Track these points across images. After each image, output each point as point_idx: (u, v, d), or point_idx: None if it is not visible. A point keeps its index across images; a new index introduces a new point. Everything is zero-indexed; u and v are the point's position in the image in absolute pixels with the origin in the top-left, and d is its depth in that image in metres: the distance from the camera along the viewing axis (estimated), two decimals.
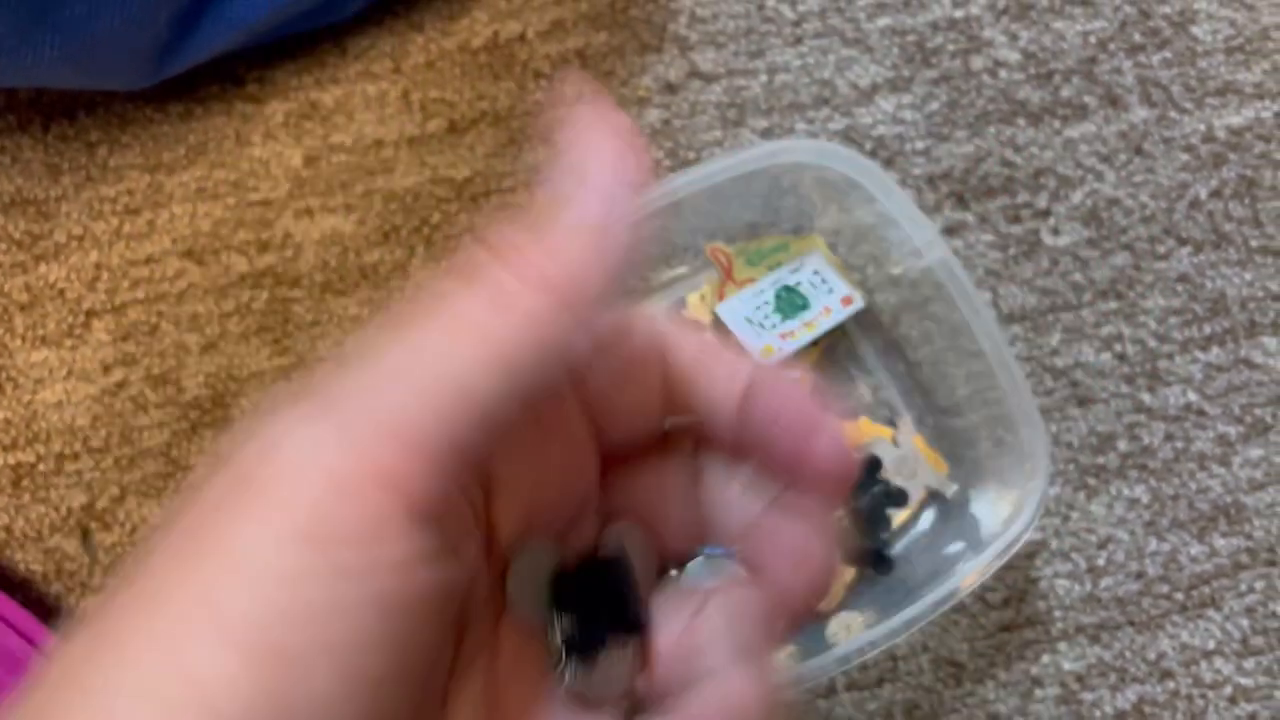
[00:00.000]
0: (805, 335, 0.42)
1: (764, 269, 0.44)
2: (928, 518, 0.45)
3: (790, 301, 0.43)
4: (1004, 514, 0.42)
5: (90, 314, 0.45)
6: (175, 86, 0.47)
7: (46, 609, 0.44)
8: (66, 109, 0.47)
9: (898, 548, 0.44)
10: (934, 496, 0.45)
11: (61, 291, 0.45)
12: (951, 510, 0.45)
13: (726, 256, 0.43)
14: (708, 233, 0.46)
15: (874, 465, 0.44)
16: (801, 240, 0.46)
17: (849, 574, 0.44)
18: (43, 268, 0.46)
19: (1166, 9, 0.50)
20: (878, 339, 0.46)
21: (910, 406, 0.46)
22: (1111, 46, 0.49)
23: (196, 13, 0.40)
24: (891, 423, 0.45)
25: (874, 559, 0.43)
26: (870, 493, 0.43)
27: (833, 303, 0.43)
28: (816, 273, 0.44)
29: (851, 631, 0.41)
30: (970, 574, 0.40)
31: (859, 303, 0.43)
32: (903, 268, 0.44)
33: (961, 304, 0.42)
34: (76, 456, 0.45)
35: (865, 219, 0.44)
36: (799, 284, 0.43)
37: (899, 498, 0.44)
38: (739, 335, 0.41)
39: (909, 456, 0.44)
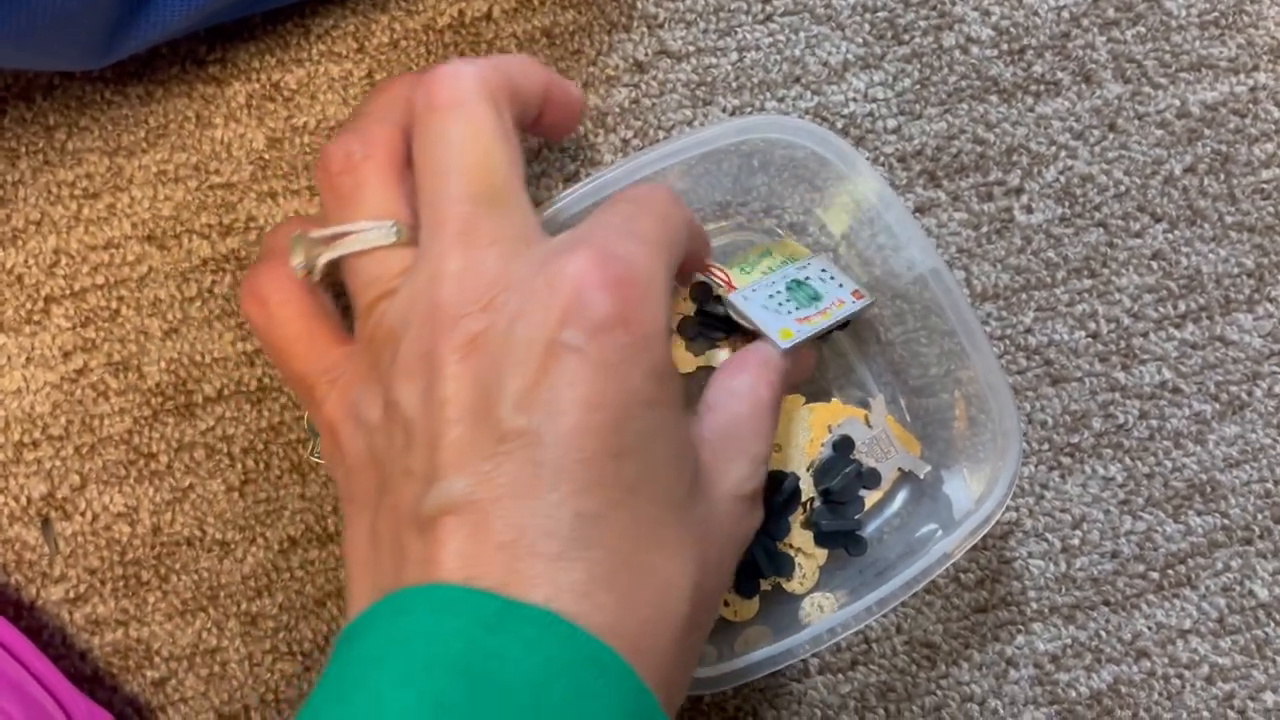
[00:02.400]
0: (821, 321, 0.41)
1: (760, 272, 0.44)
2: (900, 498, 0.44)
3: (803, 292, 0.43)
4: (977, 494, 0.41)
5: (49, 300, 0.45)
6: (134, 68, 0.46)
7: (6, 600, 0.43)
8: (23, 92, 0.46)
9: (870, 528, 0.44)
10: (907, 477, 0.44)
11: (20, 277, 0.45)
12: (924, 490, 0.44)
13: (723, 272, 0.43)
14: None
15: (846, 446, 0.44)
16: (783, 245, 0.45)
17: (822, 555, 0.43)
18: (0, 254, 0.45)
19: None
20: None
21: (882, 387, 0.45)
22: (1085, 22, 0.49)
23: None
24: (864, 403, 0.45)
25: (847, 540, 0.43)
26: (843, 473, 0.43)
27: (844, 296, 0.43)
28: (824, 270, 0.44)
29: (825, 612, 0.41)
30: (943, 553, 0.39)
31: (868, 298, 0.43)
32: (873, 248, 0.43)
33: (933, 283, 0.41)
34: (36, 445, 0.44)
35: (836, 197, 0.44)
36: (808, 279, 0.43)
37: (871, 478, 0.43)
38: (756, 319, 0.40)
39: (881, 437, 0.44)
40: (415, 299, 0.31)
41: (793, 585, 0.43)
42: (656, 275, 0.31)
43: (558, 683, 0.26)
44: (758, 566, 0.42)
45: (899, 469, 0.44)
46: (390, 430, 0.30)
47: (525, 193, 0.33)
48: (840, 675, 0.44)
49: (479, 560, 0.27)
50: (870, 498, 0.44)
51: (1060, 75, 0.48)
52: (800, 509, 0.43)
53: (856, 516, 0.43)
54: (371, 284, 0.33)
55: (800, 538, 0.43)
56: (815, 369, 0.45)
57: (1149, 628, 0.45)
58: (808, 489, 0.43)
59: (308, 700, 0.27)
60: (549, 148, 0.47)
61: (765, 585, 0.43)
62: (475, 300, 0.30)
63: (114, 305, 0.45)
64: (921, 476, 0.44)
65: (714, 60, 0.48)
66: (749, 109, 0.48)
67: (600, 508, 0.28)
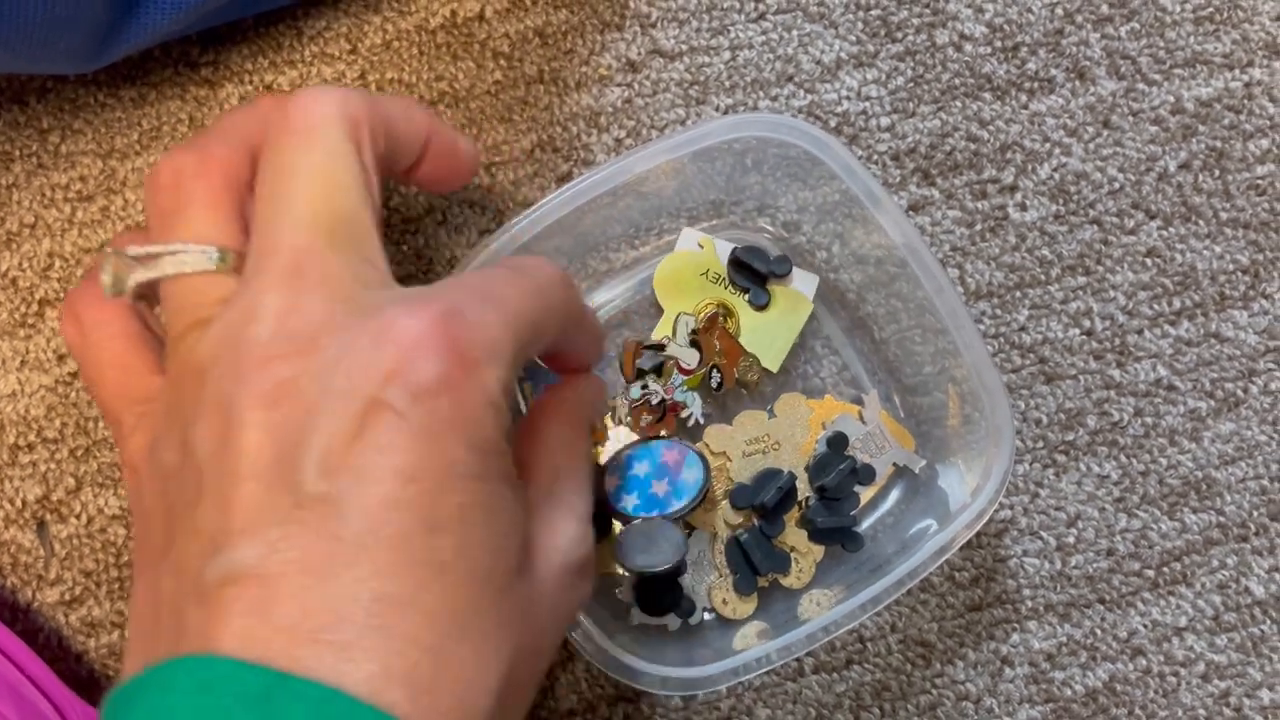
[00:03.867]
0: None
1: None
2: (895, 494, 0.44)
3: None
4: (971, 488, 0.41)
5: (43, 303, 0.45)
6: (128, 71, 0.46)
7: (1, 603, 0.43)
8: (17, 95, 0.46)
9: (865, 525, 0.44)
10: (902, 473, 0.44)
11: (14, 281, 0.45)
12: (919, 486, 0.44)
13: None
14: (671, 211, 0.46)
15: (841, 442, 0.44)
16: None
17: (818, 552, 0.43)
18: None
19: None
20: (843, 317, 0.46)
21: (876, 383, 0.45)
22: (1078, 18, 0.49)
23: None
24: (858, 400, 0.45)
25: (843, 536, 0.43)
26: (837, 470, 0.43)
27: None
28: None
29: (822, 608, 0.41)
30: (938, 547, 0.39)
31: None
32: (867, 245, 0.43)
33: (925, 281, 0.41)
34: (31, 448, 0.44)
35: (830, 196, 0.44)
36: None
37: (866, 474, 0.43)
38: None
39: (876, 433, 0.44)
40: (226, 333, 0.28)
41: (790, 581, 0.43)
42: (501, 349, 0.28)
43: None
44: (755, 565, 0.42)
45: (894, 464, 0.44)
46: (183, 478, 0.27)
47: (376, 235, 0.30)
48: (835, 674, 0.44)
49: (258, 642, 0.24)
50: (865, 494, 0.44)
51: (1054, 72, 0.48)
52: (796, 507, 0.43)
53: (852, 513, 0.43)
54: (184, 311, 0.29)
55: (795, 535, 0.43)
56: (811, 370, 0.46)
57: (1144, 625, 0.45)
58: (803, 486, 0.43)
59: None
60: (542, 148, 0.47)
61: (763, 582, 0.43)
62: (291, 343, 0.27)
63: None
64: (916, 471, 0.44)
65: (707, 59, 0.48)
66: (742, 108, 0.48)
67: (405, 590, 0.25)
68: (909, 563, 0.39)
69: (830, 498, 0.43)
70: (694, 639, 0.42)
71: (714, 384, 0.44)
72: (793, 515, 0.43)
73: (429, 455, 0.26)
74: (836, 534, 0.43)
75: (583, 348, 0.36)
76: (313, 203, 0.29)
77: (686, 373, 0.44)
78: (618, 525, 0.41)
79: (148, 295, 0.31)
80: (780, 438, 0.44)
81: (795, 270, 0.45)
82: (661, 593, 0.42)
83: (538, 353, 0.35)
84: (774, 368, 0.45)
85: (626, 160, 0.41)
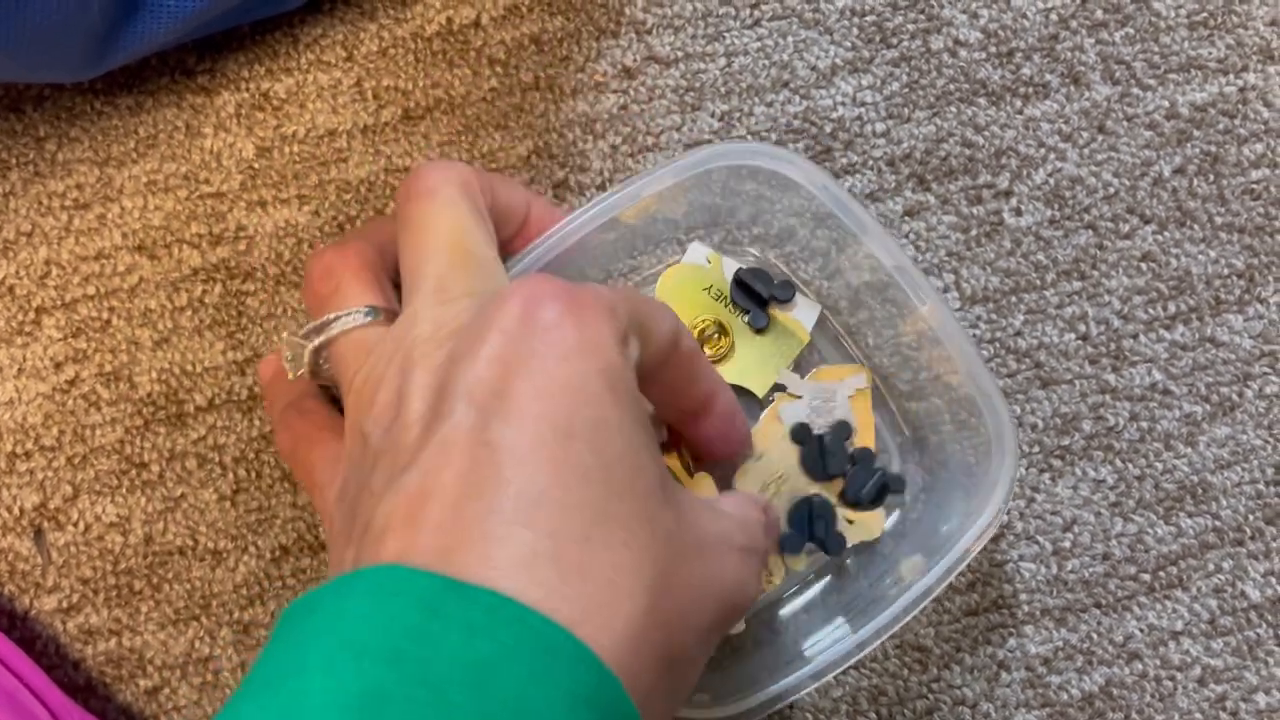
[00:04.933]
0: None
1: None
2: (896, 507, 0.44)
3: None
4: (971, 498, 0.41)
5: (40, 311, 0.45)
6: (124, 79, 0.46)
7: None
8: (13, 104, 0.46)
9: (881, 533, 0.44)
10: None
11: (11, 289, 0.45)
12: (916, 497, 0.44)
13: None
14: (675, 225, 0.46)
15: (867, 456, 0.43)
16: None
17: (878, 516, 0.43)
18: None
19: None
20: (836, 327, 0.46)
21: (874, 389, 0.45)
22: (1073, 24, 0.49)
23: (133, 1, 0.39)
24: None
25: (887, 482, 0.43)
26: (871, 481, 0.43)
27: None
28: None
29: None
30: (955, 558, 0.39)
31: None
32: (854, 261, 0.43)
33: (911, 292, 0.41)
34: (28, 455, 0.44)
35: (820, 208, 0.43)
36: None
37: (898, 483, 0.43)
38: None
39: (827, 407, 0.44)
40: (393, 341, 0.32)
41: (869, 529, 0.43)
42: (615, 309, 0.31)
43: (502, 668, 0.25)
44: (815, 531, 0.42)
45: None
46: (362, 461, 0.31)
47: (500, 266, 0.35)
48: (831, 680, 0.44)
49: (419, 544, 0.27)
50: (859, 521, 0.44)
51: (1049, 77, 0.48)
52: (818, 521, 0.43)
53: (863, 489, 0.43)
54: (354, 361, 0.34)
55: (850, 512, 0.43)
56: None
57: (1141, 630, 0.45)
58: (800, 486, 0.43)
59: (243, 682, 0.27)
60: (538, 155, 0.47)
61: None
62: (448, 338, 0.31)
63: (105, 315, 0.45)
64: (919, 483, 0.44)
65: (702, 66, 0.48)
66: (737, 114, 0.48)
67: (548, 487, 0.28)
68: (919, 585, 0.39)
69: (867, 507, 0.43)
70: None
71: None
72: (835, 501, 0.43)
73: (559, 372, 0.29)
74: (881, 490, 0.43)
75: (712, 429, 0.39)
76: (444, 240, 0.34)
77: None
78: None
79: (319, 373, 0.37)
80: (780, 472, 0.44)
81: (799, 298, 0.45)
82: None
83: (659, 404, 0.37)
84: (760, 393, 0.45)
85: (611, 199, 0.41)
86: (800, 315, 0.45)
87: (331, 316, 0.35)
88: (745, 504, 0.36)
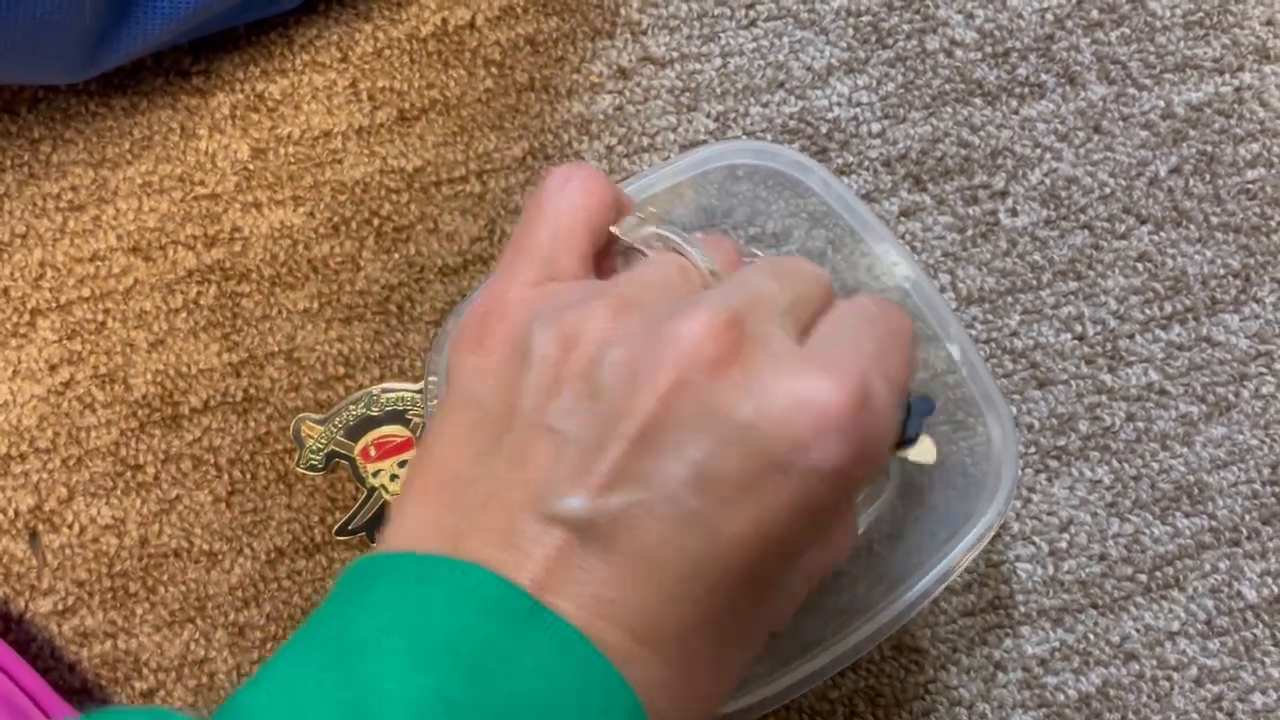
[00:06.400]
0: None
1: None
2: (894, 505, 0.44)
3: None
4: (968, 499, 0.41)
5: (35, 313, 0.45)
6: (119, 80, 0.46)
7: None
8: (7, 105, 0.46)
9: (871, 542, 0.44)
10: (906, 489, 0.44)
11: (5, 290, 0.45)
12: (915, 497, 0.44)
13: None
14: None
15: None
16: None
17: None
18: None
19: None
20: None
21: None
22: (1069, 24, 0.49)
23: (126, 2, 0.39)
24: None
25: (919, 406, 0.42)
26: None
27: None
28: None
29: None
30: (955, 560, 0.39)
31: None
32: (850, 261, 0.43)
33: (913, 292, 0.41)
34: (23, 457, 0.44)
35: (817, 207, 0.43)
36: None
37: (926, 404, 0.42)
38: None
39: None
40: (692, 305, 0.29)
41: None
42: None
43: (565, 705, 0.25)
44: None
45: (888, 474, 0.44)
46: (576, 383, 0.29)
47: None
48: (827, 681, 0.44)
49: (552, 591, 0.27)
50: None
51: (1044, 77, 0.48)
52: None
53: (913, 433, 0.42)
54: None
55: None
56: None
57: (1137, 630, 0.45)
58: None
59: (303, 632, 0.26)
60: (533, 155, 0.47)
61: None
62: (717, 349, 0.28)
63: (100, 317, 0.45)
64: (916, 481, 0.44)
65: (698, 66, 0.48)
66: (733, 115, 0.48)
67: (697, 619, 0.28)
68: (923, 584, 0.39)
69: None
70: None
71: None
72: None
73: (790, 519, 0.28)
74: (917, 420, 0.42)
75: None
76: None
77: None
78: None
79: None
80: None
81: None
82: None
83: None
84: None
85: (653, 176, 0.41)
86: None
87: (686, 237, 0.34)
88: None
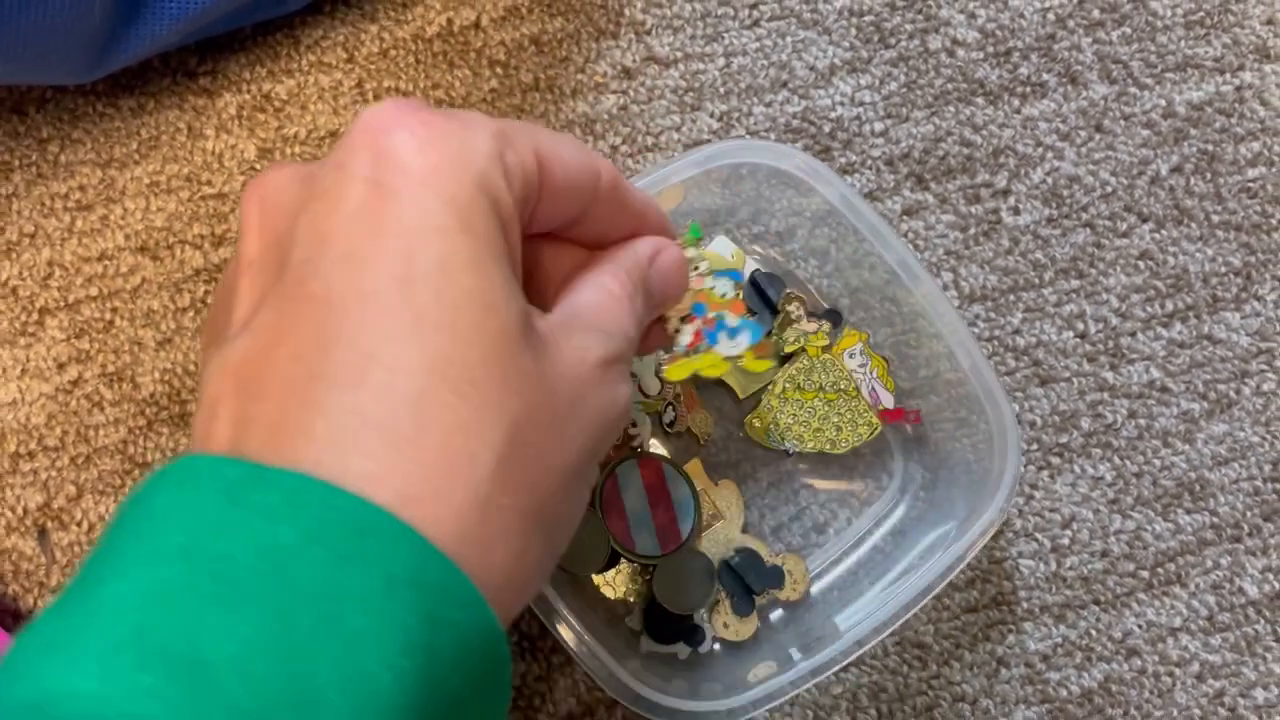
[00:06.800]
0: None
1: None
2: (901, 508, 0.45)
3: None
4: (972, 496, 0.41)
5: (44, 312, 0.45)
6: (126, 80, 0.46)
7: (3, 610, 0.43)
8: (16, 105, 0.46)
9: (876, 536, 0.44)
10: (906, 486, 0.45)
11: (14, 289, 0.45)
12: (918, 494, 0.44)
13: None
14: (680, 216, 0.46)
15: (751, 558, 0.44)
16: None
17: (800, 565, 0.43)
18: None
19: None
20: (838, 324, 0.46)
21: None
22: (1070, 23, 0.49)
23: (135, 4, 0.39)
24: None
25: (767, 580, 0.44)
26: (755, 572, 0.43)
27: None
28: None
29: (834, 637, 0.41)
30: (957, 556, 0.39)
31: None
32: (854, 259, 0.44)
33: (915, 289, 0.41)
34: (32, 455, 0.44)
35: (820, 207, 0.44)
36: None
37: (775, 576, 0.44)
38: None
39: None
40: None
41: (786, 594, 0.43)
42: (484, 134, 0.27)
43: (304, 554, 0.23)
44: (749, 584, 0.42)
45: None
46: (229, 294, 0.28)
47: None
48: (832, 676, 0.44)
49: (239, 423, 0.25)
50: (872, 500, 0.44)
51: (1046, 77, 0.49)
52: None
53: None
54: None
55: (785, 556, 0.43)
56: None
57: (1139, 626, 0.45)
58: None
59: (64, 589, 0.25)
60: None
61: (760, 599, 0.43)
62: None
63: (108, 316, 0.45)
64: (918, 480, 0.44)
65: (701, 66, 0.48)
66: (736, 114, 0.48)
67: (376, 341, 0.25)
68: (924, 576, 0.39)
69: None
70: (702, 668, 0.43)
71: (666, 421, 0.44)
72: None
73: (398, 212, 0.26)
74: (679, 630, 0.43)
75: (626, 228, 0.33)
76: None
77: (647, 398, 0.44)
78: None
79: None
80: (724, 513, 0.44)
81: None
82: (673, 621, 0.42)
83: (554, 213, 0.31)
84: (741, 395, 0.45)
85: (660, 172, 0.41)
86: None
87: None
88: (600, 290, 0.31)
